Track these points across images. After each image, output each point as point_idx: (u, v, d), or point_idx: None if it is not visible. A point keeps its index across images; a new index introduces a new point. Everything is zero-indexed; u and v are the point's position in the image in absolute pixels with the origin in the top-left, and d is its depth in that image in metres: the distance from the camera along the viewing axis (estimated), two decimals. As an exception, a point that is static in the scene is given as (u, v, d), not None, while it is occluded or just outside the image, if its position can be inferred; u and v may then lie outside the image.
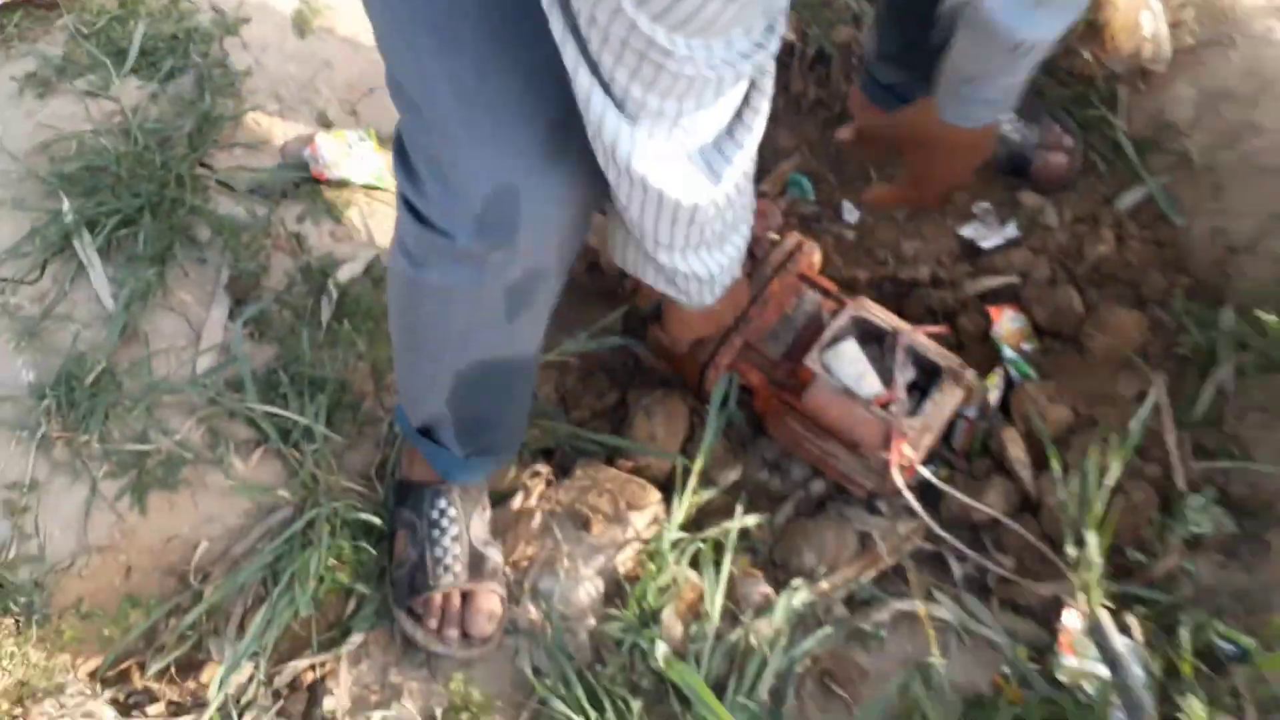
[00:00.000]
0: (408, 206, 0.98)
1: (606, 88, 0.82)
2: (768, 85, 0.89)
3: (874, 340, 1.40)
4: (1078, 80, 1.62)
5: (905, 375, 1.36)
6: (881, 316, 1.39)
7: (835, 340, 1.38)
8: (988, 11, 1.00)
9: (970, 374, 1.37)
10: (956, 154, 1.25)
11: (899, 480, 1.31)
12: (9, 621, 1.19)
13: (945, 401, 1.37)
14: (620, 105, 0.83)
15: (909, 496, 1.32)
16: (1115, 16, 1.56)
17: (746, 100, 0.89)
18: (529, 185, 0.92)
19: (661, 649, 1.22)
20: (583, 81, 0.83)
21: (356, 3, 1.59)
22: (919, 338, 1.37)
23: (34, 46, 1.59)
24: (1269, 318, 1.36)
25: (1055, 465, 1.35)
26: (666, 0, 0.71)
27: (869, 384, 1.36)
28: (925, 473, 1.36)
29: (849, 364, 1.37)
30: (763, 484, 1.52)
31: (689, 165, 0.90)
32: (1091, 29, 1.58)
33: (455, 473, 1.32)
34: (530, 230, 0.95)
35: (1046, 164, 1.59)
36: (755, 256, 1.43)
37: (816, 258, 1.49)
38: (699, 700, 1.18)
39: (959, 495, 1.37)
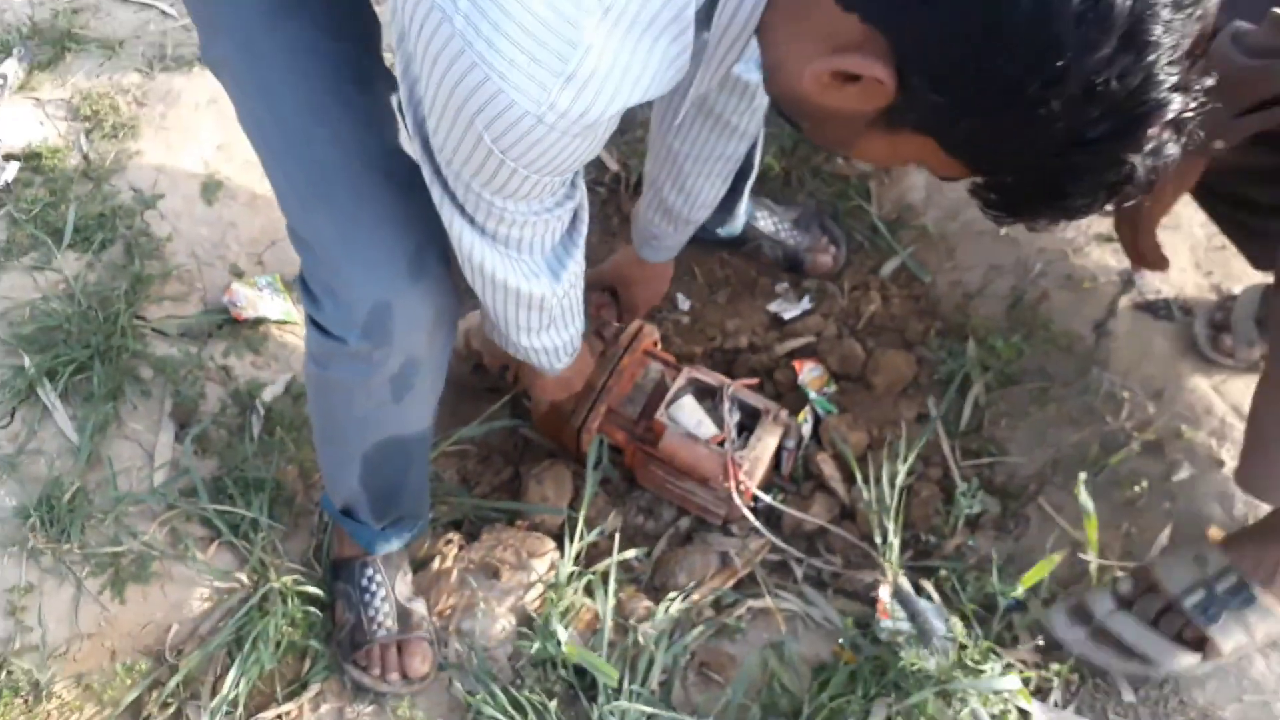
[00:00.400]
0: (312, 322, 1.25)
1: (466, 217, 1.08)
2: (585, 214, 1.20)
3: (707, 395, 1.76)
4: (837, 179, 2.05)
5: (734, 418, 1.72)
6: (710, 376, 1.76)
7: (676, 397, 1.73)
8: (666, 201, 1.53)
9: (784, 413, 1.74)
10: (650, 280, 1.80)
11: (739, 503, 1.65)
12: (19, 701, 1.41)
13: (768, 436, 1.72)
14: (479, 230, 1.10)
15: (751, 517, 1.67)
16: (859, 131, 2.01)
17: (575, 222, 1.20)
18: (399, 299, 1.19)
19: (564, 635, 1.51)
20: (446, 212, 1.08)
21: (252, 171, 1.93)
22: (739, 388, 1.73)
23: (-25, 234, 1.85)
24: (999, 342, 1.78)
25: (859, 478, 1.72)
26: (487, 178, 0.97)
27: (706, 429, 1.71)
28: (764, 496, 1.71)
29: (689, 414, 1.72)
30: (639, 527, 1.85)
31: (534, 267, 1.19)
32: (842, 141, 2.02)
33: (376, 544, 1.58)
34: (402, 332, 1.21)
35: (815, 263, 2.03)
36: (604, 339, 1.78)
37: (656, 337, 1.85)
38: (597, 670, 1.46)
39: (792, 512, 1.73)
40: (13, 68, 2.04)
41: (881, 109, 0.81)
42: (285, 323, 1.93)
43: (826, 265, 2.02)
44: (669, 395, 1.73)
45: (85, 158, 1.97)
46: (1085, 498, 1.47)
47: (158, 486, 1.64)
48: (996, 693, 1.38)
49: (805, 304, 2.00)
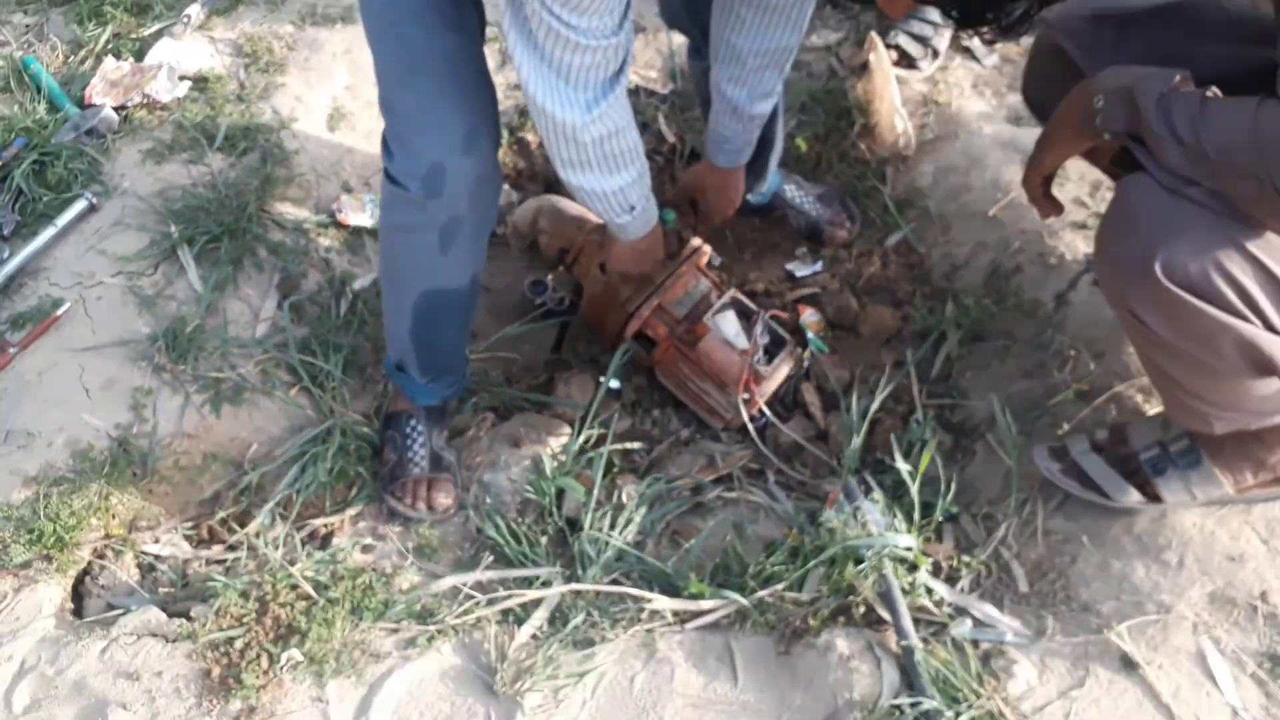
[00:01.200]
0: (386, 174, 1.60)
1: (530, 41, 1.35)
2: (628, 70, 1.47)
3: (743, 316, 2.01)
4: (859, 164, 2.33)
5: (762, 340, 1.98)
6: (749, 301, 2.03)
7: (720, 310, 2.00)
8: (731, 99, 1.75)
9: (799, 351, 2.01)
10: (723, 188, 1.98)
11: (743, 411, 1.92)
12: (130, 471, 1.79)
13: (783, 365, 1.99)
14: (539, 54, 1.36)
15: (749, 425, 1.94)
16: (880, 121, 2.29)
17: (618, 74, 1.43)
18: (450, 163, 1.54)
19: (549, 461, 1.81)
20: (516, 44, 1.37)
21: (371, 110, 2.31)
22: (774, 315, 1.99)
23: (150, 133, 2.28)
24: (970, 301, 2.03)
25: (841, 408, 1.97)
26: None
27: (740, 342, 1.98)
28: (766, 412, 1.98)
29: (729, 325, 1.99)
30: (646, 432, 2.14)
31: (572, 98, 1.42)
32: (865, 129, 2.30)
33: (419, 397, 1.92)
34: (450, 188, 1.56)
35: (833, 235, 2.30)
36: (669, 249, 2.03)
37: (709, 255, 2.08)
38: (571, 488, 1.76)
39: (778, 424, 1.99)
40: (196, 11, 2.50)
41: None
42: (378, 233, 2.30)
43: (842, 237, 2.30)
44: (714, 307, 1.99)
45: (241, 85, 2.40)
46: (998, 410, 1.71)
47: (259, 336, 2.02)
48: (902, 561, 1.62)
49: (817, 266, 2.27)
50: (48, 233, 2.07)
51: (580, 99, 1.42)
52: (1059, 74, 1.49)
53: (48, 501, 1.71)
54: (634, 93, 2.55)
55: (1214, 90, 1.25)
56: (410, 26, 1.52)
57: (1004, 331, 2.00)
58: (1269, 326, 1.31)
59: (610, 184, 1.59)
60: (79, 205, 2.11)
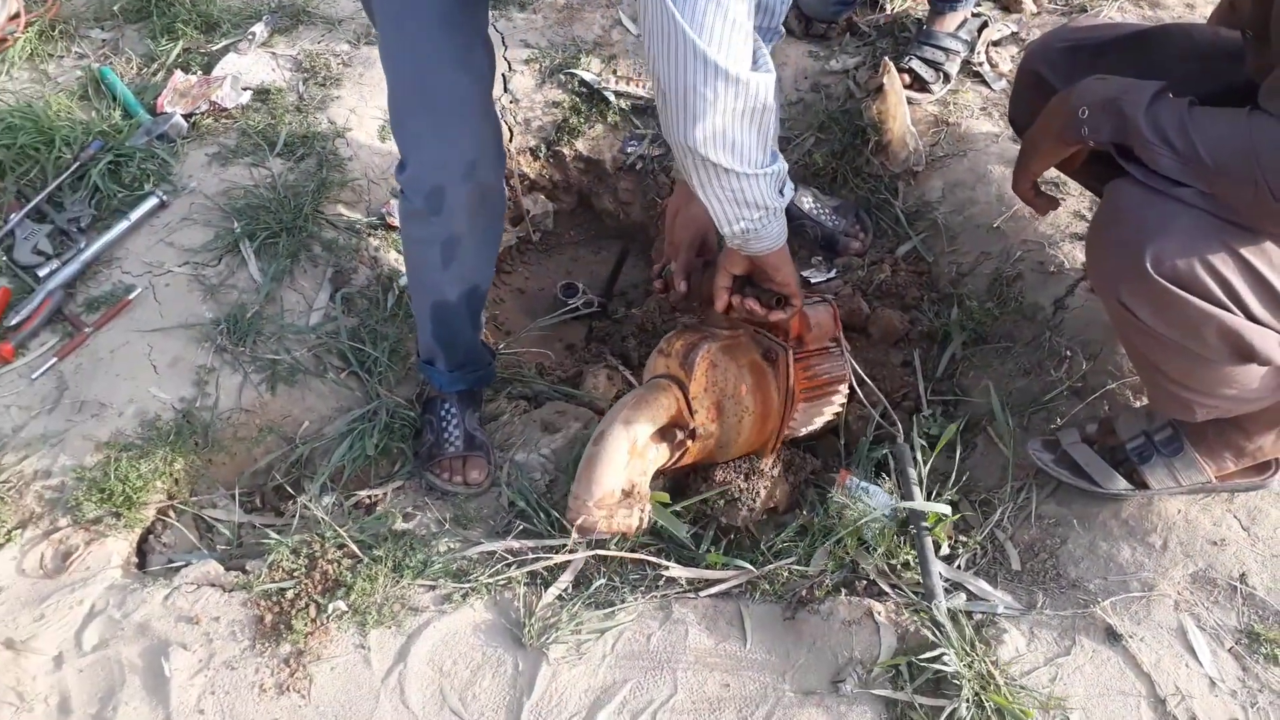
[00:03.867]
0: (401, 191, 1.71)
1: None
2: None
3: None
4: (873, 179, 2.43)
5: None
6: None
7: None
8: None
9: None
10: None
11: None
12: (193, 440, 1.90)
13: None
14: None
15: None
16: (893, 140, 2.39)
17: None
18: (450, 188, 1.65)
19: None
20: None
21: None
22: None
23: (216, 139, 2.42)
24: (974, 304, 2.11)
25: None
26: None
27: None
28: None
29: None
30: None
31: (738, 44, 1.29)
32: (879, 146, 2.40)
33: (447, 385, 2.02)
34: (449, 209, 1.66)
35: (847, 245, 2.40)
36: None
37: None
38: None
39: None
40: (260, 29, 2.64)
41: None
42: (421, 237, 2.42)
43: (856, 248, 2.39)
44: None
45: (300, 97, 2.54)
46: (997, 406, 1.79)
47: (312, 324, 2.14)
48: (893, 531, 1.70)
49: (831, 273, 2.36)
50: (121, 226, 2.20)
51: (745, 52, 1.31)
52: (1041, 100, 1.58)
53: (117, 465, 1.83)
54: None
55: (1194, 100, 1.34)
56: (423, 65, 1.58)
57: (1005, 334, 2.08)
58: (1250, 317, 1.38)
59: (771, 163, 1.44)
60: (150, 202, 2.24)
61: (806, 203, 2.40)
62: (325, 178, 2.36)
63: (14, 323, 2.04)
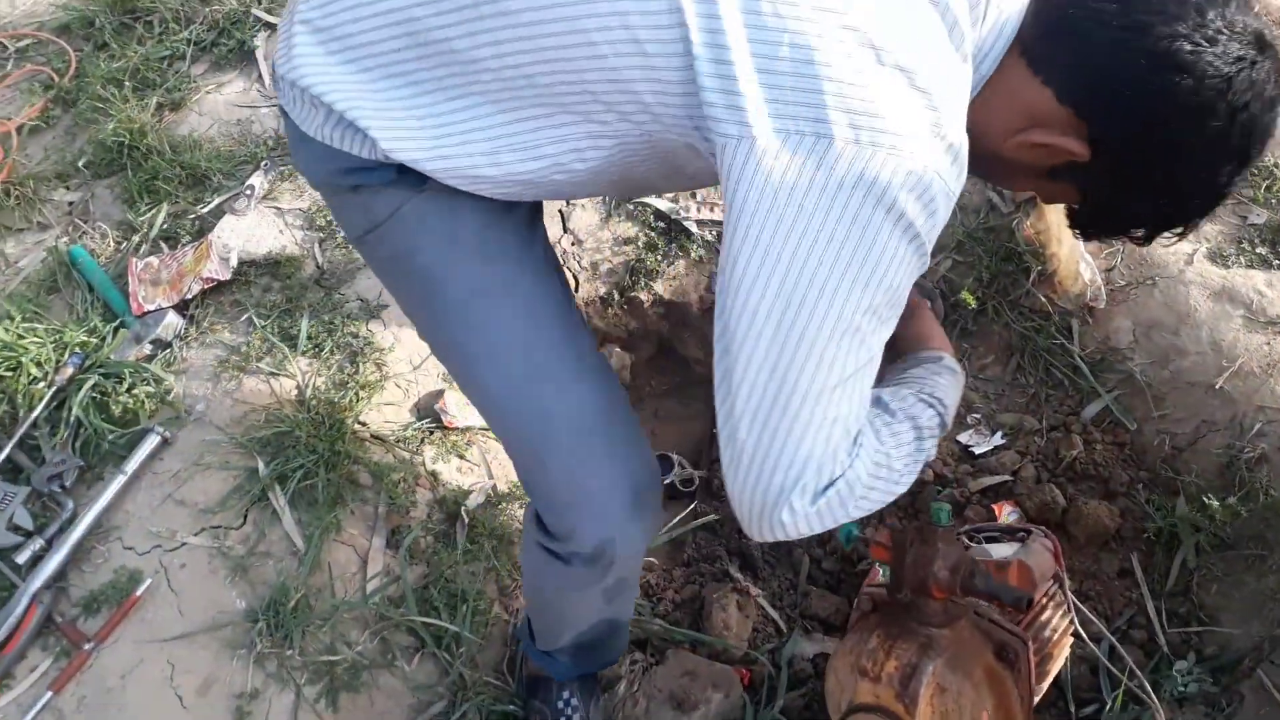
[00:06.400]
0: (538, 544, 1.23)
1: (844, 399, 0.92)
2: None
3: None
4: (1037, 315, 1.92)
5: None
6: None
7: None
8: None
9: None
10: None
11: None
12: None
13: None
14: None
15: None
16: (1060, 267, 1.88)
17: None
18: (621, 535, 1.19)
19: None
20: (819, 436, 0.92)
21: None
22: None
23: (220, 336, 1.91)
24: (1214, 504, 1.62)
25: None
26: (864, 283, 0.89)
27: None
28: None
29: None
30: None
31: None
32: (1043, 276, 1.90)
33: (567, 672, 1.55)
34: (622, 558, 1.22)
35: None
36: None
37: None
38: None
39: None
40: (259, 180, 2.12)
41: (1058, 166, 0.99)
42: (488, 429, 1.92)
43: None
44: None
45: (319, 266, 2.02)
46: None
47: (370, 593, 1.64)
48: None
49: (998, 439, 1.87)
50: (116, 482, 1.69)
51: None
52: None
53: None
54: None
55: None
56: (523, 372, 1.14)
57: (1255, 536, 1.60)
58: None
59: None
60: (150, 442, 1.73)
61: None
62: (362, 378, 1.85)
63: (-6, 641, 1.55)
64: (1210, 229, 1.92)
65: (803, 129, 0.84)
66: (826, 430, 0.91)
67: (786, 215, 0.85)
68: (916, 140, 0.85)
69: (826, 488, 0.93)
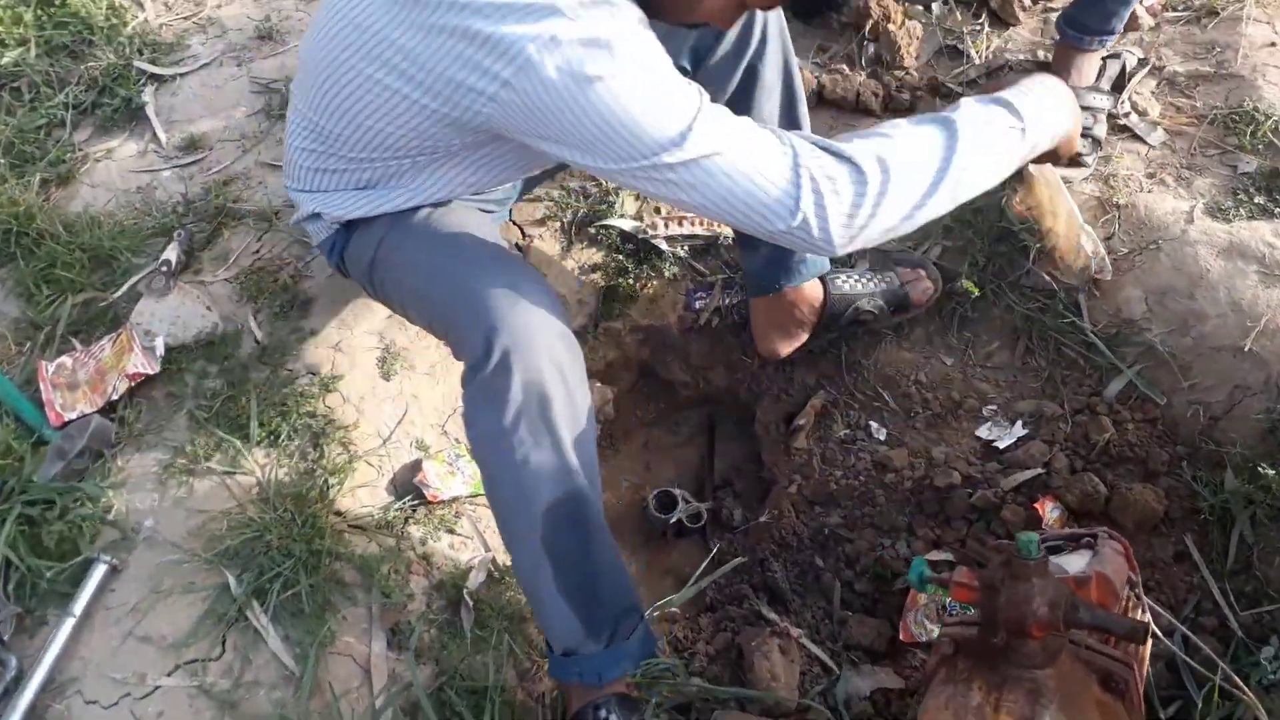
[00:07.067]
0: (463, 379, 1.32)
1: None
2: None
3: None
4: (1040, 295, 1.81)
5: None
6: None
7: None
8: None
9: None
10: None
11: None
12: None
13: None
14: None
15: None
16: (1060, 241, 1.76)
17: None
18: (502, 325, 1.27)
19: None
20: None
21: (427, 338, 1.74)
22: None
23: (160, 436, 1.68)
24: (1269, 472, 1.52)
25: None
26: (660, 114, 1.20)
27: None
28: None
29: None
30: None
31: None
32: (1042, 253, 1.79)
33: (606, 672, 1.40)
34: (517, 358, 1.26)
35: (919, 293, 1.85)
36: None
37: None
38: None
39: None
40: (174, 252, 1.88)
41: None
42: (477, 494, 1.73)
43: (929, 290, 1.86)
44: None
45: (257, 341, 1.79)
46: None
47: (380, 709, 1.44)
48: None
49: (1019, 429, 1.76)
50: (65, 627, 1.45)
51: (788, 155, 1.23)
52: None
53: None
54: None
55: None
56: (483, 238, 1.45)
57: (1310, 500, 1.51)
58: None
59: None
60: (97, 573, 1.50)
61: (841, 281, 1.85)
62: (329, 463, 1.64)
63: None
64: (1202, 181, 1.84)
65: None
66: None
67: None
68: None
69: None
